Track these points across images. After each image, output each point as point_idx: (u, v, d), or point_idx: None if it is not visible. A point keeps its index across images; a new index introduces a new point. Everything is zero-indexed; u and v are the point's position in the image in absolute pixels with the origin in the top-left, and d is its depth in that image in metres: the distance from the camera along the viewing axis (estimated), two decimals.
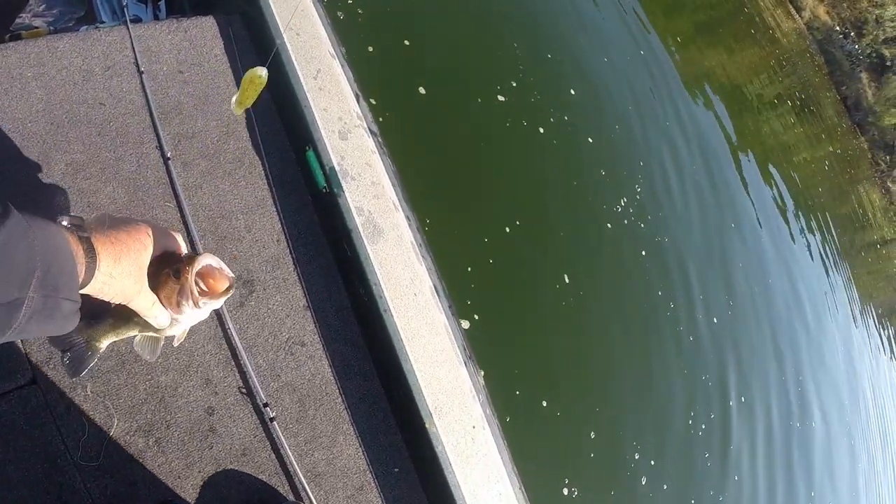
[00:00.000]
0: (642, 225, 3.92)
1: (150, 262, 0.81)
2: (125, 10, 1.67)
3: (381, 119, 2.96)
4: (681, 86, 5.72)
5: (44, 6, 1.91)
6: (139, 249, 0.78)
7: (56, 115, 1.35)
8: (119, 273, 0.75)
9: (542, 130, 3.73)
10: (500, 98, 3.63)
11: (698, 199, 4.74)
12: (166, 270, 0.82)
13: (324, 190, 1.46)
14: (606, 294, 3.56)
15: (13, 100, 1.34)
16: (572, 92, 4.11)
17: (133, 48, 1.46)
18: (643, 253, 3.83)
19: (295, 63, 1.49)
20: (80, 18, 1.89)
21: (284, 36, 1.52)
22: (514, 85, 3.75)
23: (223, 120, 1.48)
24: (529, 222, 3.30)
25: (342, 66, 1.61)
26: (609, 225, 3.71)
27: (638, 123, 4.63)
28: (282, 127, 1.54)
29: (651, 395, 3.48)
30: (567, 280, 3.28)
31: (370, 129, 1.57)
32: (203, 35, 1.56)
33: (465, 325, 2.70)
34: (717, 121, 6.11)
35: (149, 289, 0.81)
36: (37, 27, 1.72)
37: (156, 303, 0.83)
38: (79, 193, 1.30)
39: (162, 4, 1.86)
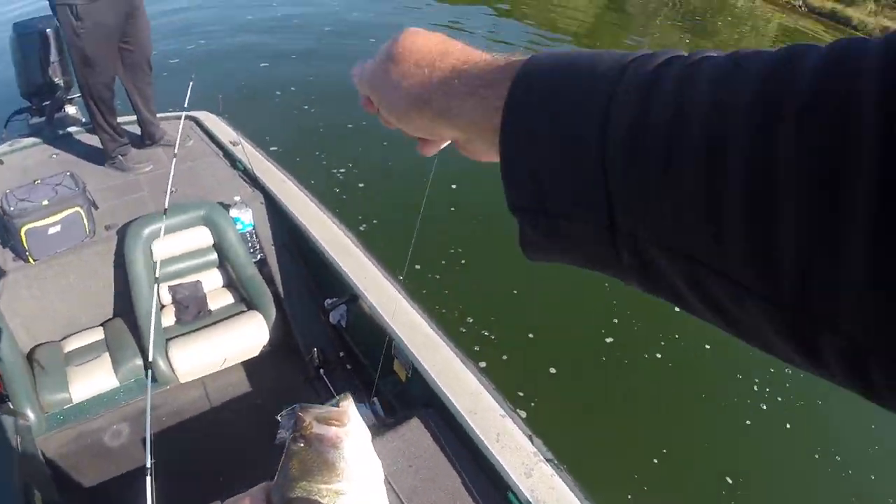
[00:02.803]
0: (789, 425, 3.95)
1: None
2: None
3: (532, 404, 3.56)
4: None
5: (292, 421, 2.65)
6: None
7: None
8: None
9: (658, 356, 4.12)
10: (608, 340, 4.15)
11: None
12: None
13: None
14: None
15: None
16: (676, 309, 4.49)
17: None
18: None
19: (482, 437, 2.12)
20: None
21: (466, 418, 2.18)
22: (616, 322, 4.28)
23: (449, 492, 2.06)
24: (675, 451, 3.57)
25: (513, 419, 2.23)
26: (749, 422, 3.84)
27: None
28: (486, 478, 2.12)
29: None
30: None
31: (546, 458, 2.12)
32: (413, 434, 2.22)
33: None
34: None
35: None
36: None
37: None
38: None
39: (376, 400, 2.56)
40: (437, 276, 4.34)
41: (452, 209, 5.04)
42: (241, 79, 7.40)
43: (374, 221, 4.82)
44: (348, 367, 2.79)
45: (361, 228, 4.68)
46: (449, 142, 0.50)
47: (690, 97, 0.30)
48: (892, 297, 0.23)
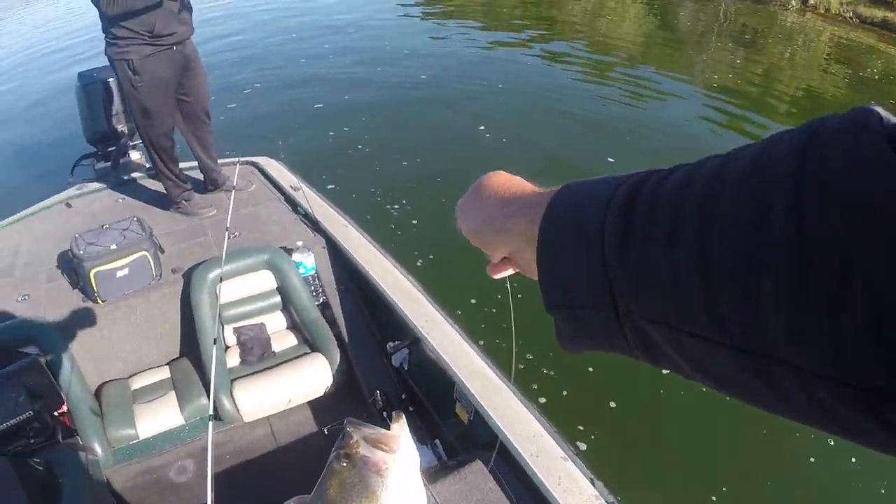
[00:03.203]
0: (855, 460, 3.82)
1: None
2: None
3: (592, 437, 3.55)
4: None
5: None
6: None
7: None
8: None
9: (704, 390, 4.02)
10: (665, 371, 4.07)
11: None
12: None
13: None
14: None
15: None
16: None
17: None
18: None
19: (544, 480, 2.12)
20: None
21: (528, 461, 2.18)
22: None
23: None
24: (735, 489, 3.47)
25: (574, 462, 2.22)
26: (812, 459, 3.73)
27: None
28: None
29: None
30: None
31: (607, 501, 2.11)
32: (475, 477, 2.23)
33: None
34: None
35: None
36: None
37: None
38: None
39: (438, 442, 2.60)
40: (494, 311, 4.36)
41: None
42: (296, 120, 7.64)
43: (430, 257, 4.87)
44: (411, 409, 2.81)
45: (418, 264, 4.73)
46: (511, 272, 0.65)
47: (658, 199, 0.39)
48: (802, 328, 0.30)
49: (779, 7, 16.05)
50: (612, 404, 3.87)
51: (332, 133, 7.25)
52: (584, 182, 0.48)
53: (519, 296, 4.38)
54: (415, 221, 5.43)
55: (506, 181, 0.60)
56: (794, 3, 15.94)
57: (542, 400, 3.67)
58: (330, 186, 5.69)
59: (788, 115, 8.68)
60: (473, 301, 4.39)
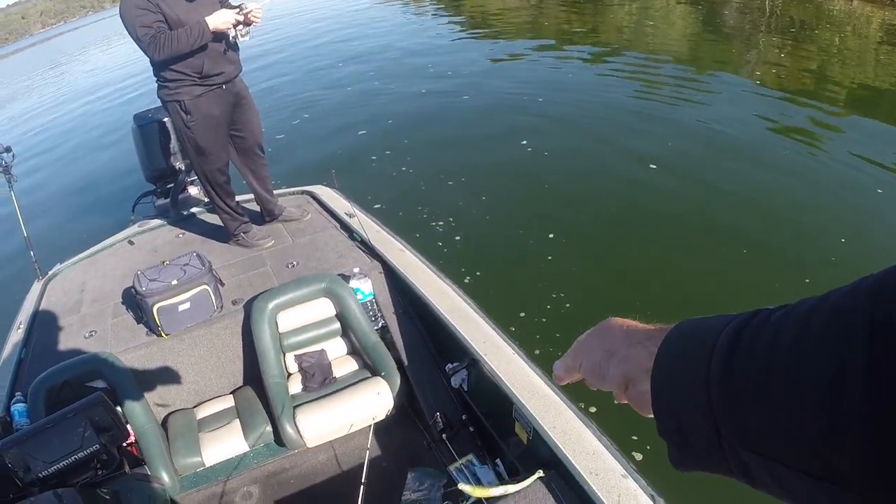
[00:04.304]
0: None
1: None
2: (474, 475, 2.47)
3: (647, 447, 3.48)
4: None
5: (417, 483, 2.65)
6: None
7: None
8: None
9: None
10: None
11: None
12: None
13: None
14: None
15: None
16: None
17: None
18: None
19: (603, 499, 2.09)
20: (445, 485, 2.58)
21: (587, 479, 2.21)
22: None
23: None
24: None
25: (634, 479, 2.18)
26: None
27: None
28: None
29: None
30: None
31: None
32: (535, 496, 2.23)
33: None
34: None
35: None
36: None
37: None
38: None
39: (499, 461, 2.64)
40: (544, 320, 4.40)
41: (549, 258, 5.13)
42: (343, 147, 7.90)
43: (478, 273, 4.94)
44: (471, 429, 2.85)
45: (466, 280, 4.81)
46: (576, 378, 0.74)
47: (757, 343, 0.43)
48: (883, 468, 0.33)
49: None
50: None
51: (374, 157, 7.45)
52: (700, 318, 0.53)
53: (567, 304, 4.41)
54: (458, 238, 5.52)
55: (625, 322, 0.68)
56: None
57: (593, 409, 3.69)
58: (377, 206, 5.82)
59: (843, 103, 8.46)
60: (523, 314, 4.45)
